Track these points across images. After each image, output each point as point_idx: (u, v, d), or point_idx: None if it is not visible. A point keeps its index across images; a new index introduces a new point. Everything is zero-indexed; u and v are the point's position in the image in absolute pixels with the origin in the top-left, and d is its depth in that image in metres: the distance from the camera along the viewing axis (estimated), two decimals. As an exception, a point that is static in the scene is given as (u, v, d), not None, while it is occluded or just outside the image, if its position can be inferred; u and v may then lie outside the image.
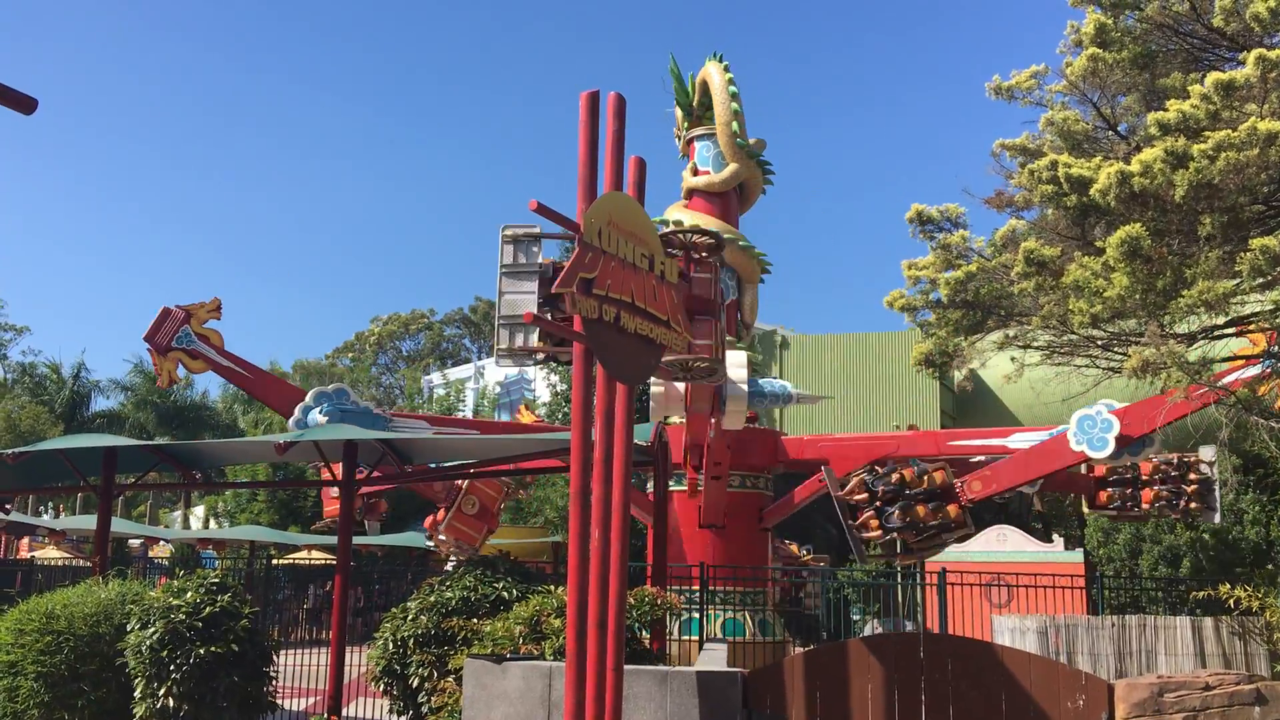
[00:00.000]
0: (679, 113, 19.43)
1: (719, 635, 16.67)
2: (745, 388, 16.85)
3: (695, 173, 19.22)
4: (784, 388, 19.33)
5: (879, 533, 15.57)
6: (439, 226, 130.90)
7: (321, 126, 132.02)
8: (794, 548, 28.64)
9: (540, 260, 9.73)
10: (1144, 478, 19.30)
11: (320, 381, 52.46)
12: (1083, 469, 19.13)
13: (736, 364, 17.52)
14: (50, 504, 41.91)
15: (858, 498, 16.15)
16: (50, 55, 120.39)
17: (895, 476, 15.90)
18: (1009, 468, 16.44)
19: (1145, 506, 19.10)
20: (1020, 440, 18.99)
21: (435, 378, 58.33)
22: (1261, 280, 9.32)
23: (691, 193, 19.31)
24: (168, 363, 17.86)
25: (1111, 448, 15.91)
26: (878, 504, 15.96)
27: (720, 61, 18.81)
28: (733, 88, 18.58)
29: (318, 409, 17.66)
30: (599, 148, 8.23)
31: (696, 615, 15.62)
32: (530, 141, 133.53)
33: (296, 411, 17.96)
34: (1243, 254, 9.12)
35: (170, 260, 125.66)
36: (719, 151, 18.78)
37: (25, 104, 4.43)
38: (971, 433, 20.48)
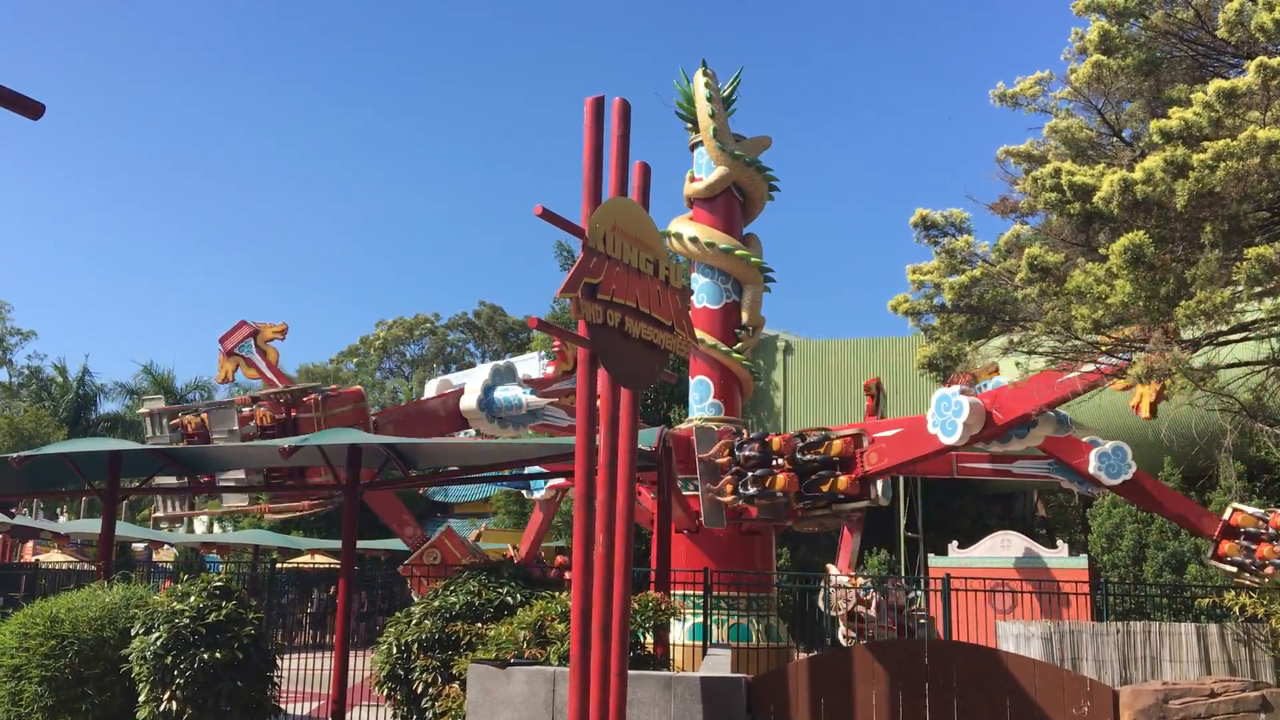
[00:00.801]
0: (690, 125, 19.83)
1: (725, 640, 16.70)
2: (1053, 415, 16.97)
3: (692, 180, 19.54)
4: (1067, 417, 19.10)
5: (732, 497, 15.77)
6: (444, 231, 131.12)
7: (326, 130, 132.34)
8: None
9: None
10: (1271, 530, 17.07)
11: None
12: (1226, 515, 17.87)
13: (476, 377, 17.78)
14: (61, 506, 41.95)
15: (720, 461, 16.34)
16: (55, 60, 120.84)
17: (758, 445, 16.14)
18: (894, 444, 16.41)
19: (1261, 561, 16.70)
20: (1024, 467, 19.49)
21: (432, 385, 58.36)
22: (1259, 289, 9.32)
23: (691, 202, 19.62)
24: (229, 363, 20.66)
25: (960, 433, 15.58)
26: (737, 469, 16.16)
27: (705, 71, 19.29)
28: (707, 91, 19.06)
29: (515, 386, 18.06)
30: (604, 153, 8.25)
31: (699, 620, 15.63)
32: (536, 146, 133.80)
33: (476, 391, 18.22)
34: (1239, 263, 9.13)
35: (175, 264, 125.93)
36: (710, 157, 19.15)
37: (32, 109, 4.46)
38: (984, 456, 20.65)
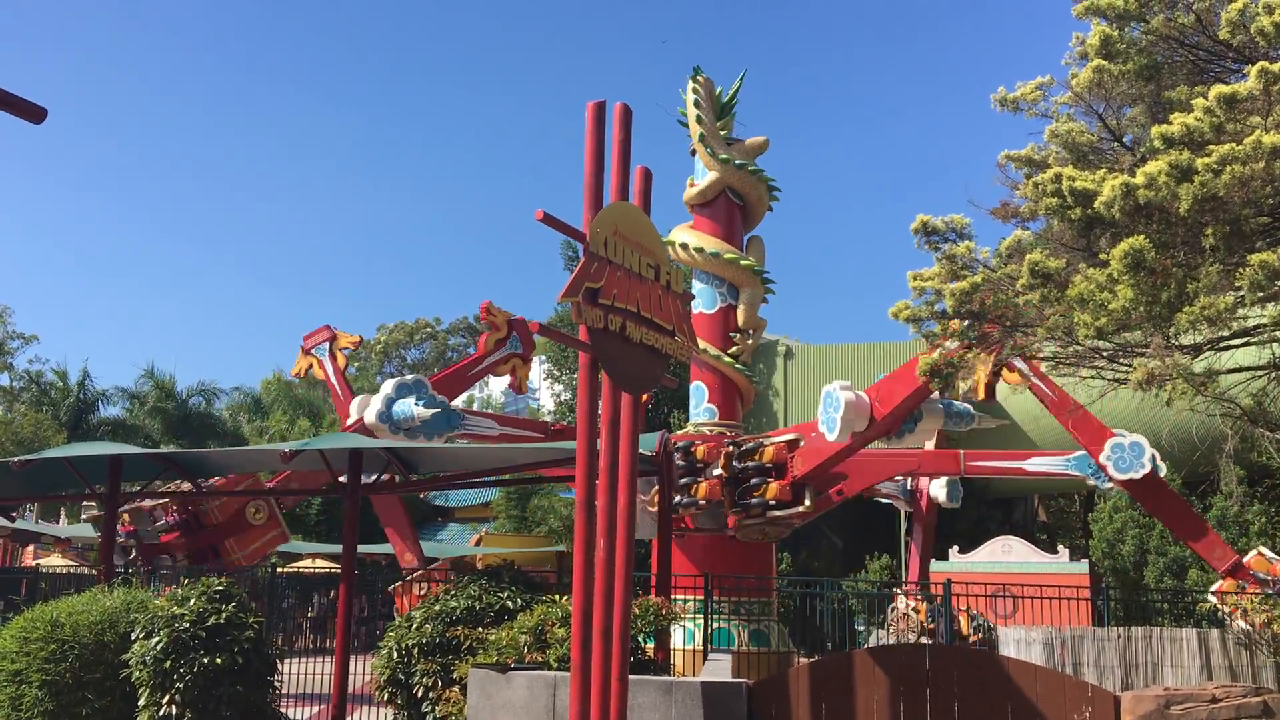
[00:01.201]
0: None
1: (745, 645, 16.72)
2: (940, 406, 17.21)
3: (691, 185, 19.72)
4: (966, 409, 19.30)
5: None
6: (445, 234, 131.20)
7: (327, 134, 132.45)
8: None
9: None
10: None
11: (325, 392, 52.54)
12: (1249, 556, 18.09)
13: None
14: (64, 510, 41.93)
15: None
16: (55, 64, 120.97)
17: (682, 454, 16.33)
18: (808, 451, 16.60)
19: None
20: (1037, 464, 19.33)
21: (355, 405, 58.31)
22: (1262, 295, 9.31)
23: (691, 209, 19.76)
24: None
25: (839, 429, 15.49)
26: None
27: (696, 77, 19.57)
28: (694, 97, 19.30)
29: (411, 399, 17.82)
30: (605, 158, 8.25)
31: (700, 624, 15.60)
32: (538, 150, 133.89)
33: (378, 404, 18.19)
34: (1241, 269, 9.13)
35: (175, 268, 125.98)
36: (703, 163, 19.38)
37: (35, 113, 4.46)
38: (993, 454, 20.69)
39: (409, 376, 18.76)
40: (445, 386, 20.32)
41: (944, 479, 24.24)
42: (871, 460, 19.43)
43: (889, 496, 26.03)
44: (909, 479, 24.39)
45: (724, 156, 19.07)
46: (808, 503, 16.26)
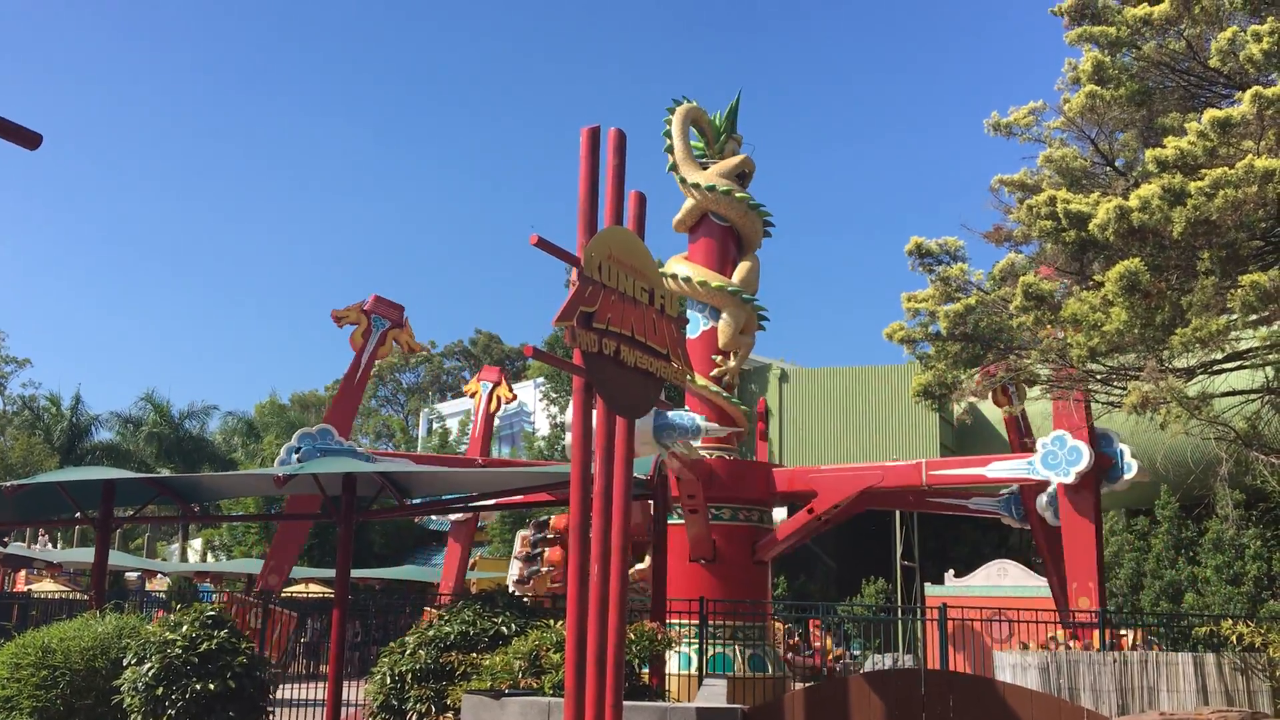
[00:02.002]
0: None
1: (743, 670, 16.63)
2: (650, 420, 17.10)
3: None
4: (692, 420, 19.11)
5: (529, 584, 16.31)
6: (440, 258, 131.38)
7: (322, 157, 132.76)
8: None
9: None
10: None
11: (318, 414, 52.46)
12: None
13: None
14: (57, 534, 41.76)
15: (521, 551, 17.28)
16: (47, 88, 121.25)
17: (534, 526, 17.17)
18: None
19: None
20: (998, 469, 18.70)
21: (429, 411, 58.37)
22: (1254, 316, 9.34)
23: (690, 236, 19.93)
24: (356, 316, 21.92)
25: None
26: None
27: (671, 108, 19.74)
28: (666, 126, 19.54)
29: (299, 450, 18.82)
30: (599, 182, 8.27)
31: (691, 650, 15.53)
32: (534, 173, 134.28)
33: (281, 452, 19.40)
34: (1234, 291, 9.16)
35: (170, 291, 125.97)
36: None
37: (30, 139, 4.46)
38: (953, 462, 20.22)
39: (316, 428, 19.87)
40: (344, 405, 21.13)
41: (1049, 490, 22.77)
42: (834, 476, 19.27)
43: (991, 513, 23.73)
44: (1013, 492, 22.61)
45: (693, 181, 19.18)
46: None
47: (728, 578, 17.77)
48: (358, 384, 21.58)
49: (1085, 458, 17.33)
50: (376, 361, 22.26)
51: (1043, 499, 20.58)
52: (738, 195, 19.20)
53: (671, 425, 18.61)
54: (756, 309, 19.45)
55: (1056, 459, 17.70)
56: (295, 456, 18.81)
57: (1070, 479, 17.48)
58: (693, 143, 19.95)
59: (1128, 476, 17.91)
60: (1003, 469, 18.61)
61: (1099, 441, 17.78)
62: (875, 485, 19.13)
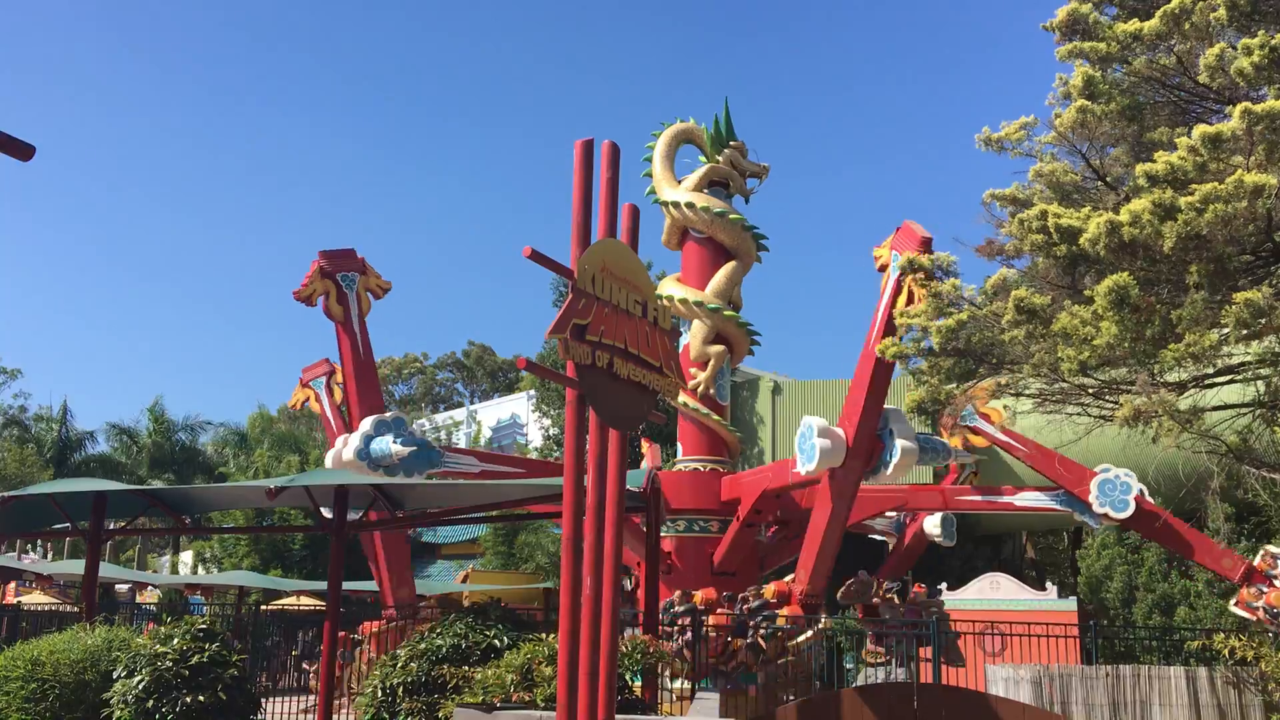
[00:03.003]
0: None
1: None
2: (915, 443, 16.44)
3: None
4: (944, 444, 18.87)
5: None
6: (433, 270, 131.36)
7: (313, 167, 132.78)
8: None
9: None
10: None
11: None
12: (1256, 558, 17.40)
13: (900, 420, 17.30)
14: (44, 545, 41.56)
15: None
16: (38, 100, 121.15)
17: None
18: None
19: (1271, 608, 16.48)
20: (1026, 499, 19.18)
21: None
22: (1246, 332, 9.37)
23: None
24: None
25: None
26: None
27: (657, 132, 20.13)
28: (648, 151, 20.00)
29: (389, 436, 17.36)
30: (593, 195, 8.28)
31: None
32: (525, 186, 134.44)
33: (355, 440, 17.51)
34: (1227, 307, 9.19)
35: (164, 302, 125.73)
36: None
37: (23, 151, 4.47)
38: (981, 489, 20.70)
39: (389, 414, 17.98)
40: (367, 389, 18.73)
41: (938, 515, 23.80)
42: (866, 496, 19.34)
43: (882, 533, 25.70)
44: (903, 515, 24.08)
45: (663, 199, 19.36)
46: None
47: (717, 590, 17.72)
48: (366, 358, 18.95)
49: (1131, 509, 17.74)
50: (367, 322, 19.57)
51: (931, 521, 21.63)
52: (700, 205, 19.13)
53: (935, 448, 18.25)
54: (729, 318, 19.24)
55: (1111, 496, 18.10)
56: (398, 447, 17.15)
57: (1124, 516, 17.97)
58: (699, 158, 20.00)
59: (892, 461, 16.74)
60: (1031, 499, 19.26)
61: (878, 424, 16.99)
62: (898, 506, 19.39)
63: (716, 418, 19.22)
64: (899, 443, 16.18)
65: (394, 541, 18.86)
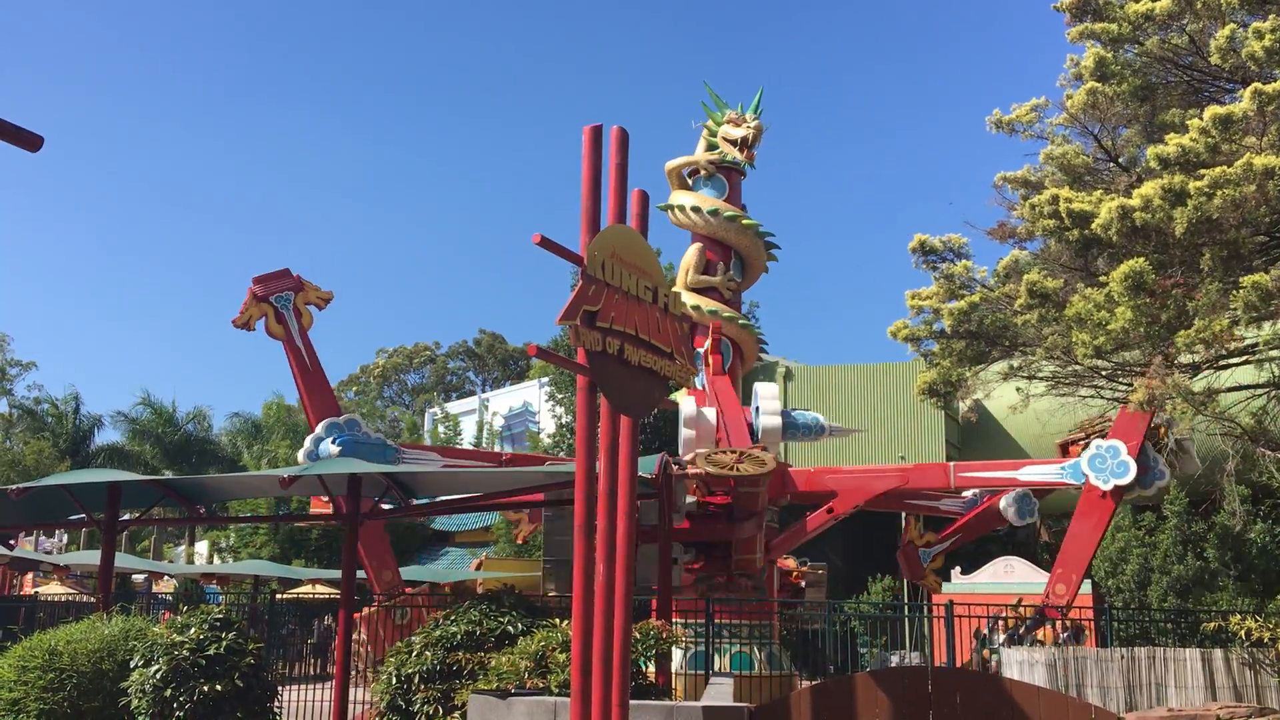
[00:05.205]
0: None
1: (728, 670, 16.56)
2: (779, 420, 17.12)
3: None
4: (816, 420, 19.25)
5: None
6: (444, 259, 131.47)
7: (324, 159, 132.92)
8: (789, 562, 27.12)
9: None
10: None
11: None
12: None
13: (768, 396, 17.86)
14: (61, 538, 41.81)
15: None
16: (50, 91, 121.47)
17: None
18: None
19: None
20: (1031, 472, 19.01)
21: (435, 410, 58.38)
22: (1256, 315, 9.32)
23: None
24: (255, 309, 19.05)
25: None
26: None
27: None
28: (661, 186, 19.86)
29: (329, 439, 18.12)
30: (602, 181, 8.26)
31: (701, 648, 15.53)
32: (535, 174, 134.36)
33: (307, 443, 18.57)
34: (1235, 291, 9.14)
35: (174, 295, 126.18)
36: None
37: (31, 142, 4.47)
38: (983, 465, 20.45)
39: (342, 417, 19.05)
40: (318, 397, 19.36)
41: (1014, 494, 22.96)
42: (856, 477, 19.33)
43: (950, 512, 24.89)
44: (978, 493, 23.44)
45: (672, 202, 19.51)
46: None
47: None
48: (314, 369, 19.49)
49: (1131, 473, 17.79)
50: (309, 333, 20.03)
51: (1006, 500, 21.57)
52: (666, 205, 19.31)
53: (797, 425, 18.85)
54: (737, 323, 19.31)
55: (1104, 465, 18.04)
56: (333, 448, 18.14)
57: (1107, 487, 17.86)
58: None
59: (1159, 483, 18.36)
60: (1035, 473, 19.10)
61: (1144, 453, 18.02)
62: (899, 487, 19.44)
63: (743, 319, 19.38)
64: (1163, 469, 17.98)
65: (371, 528, 19.32)
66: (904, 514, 25.50)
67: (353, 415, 19.20)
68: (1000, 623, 18.66)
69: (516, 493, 15.83)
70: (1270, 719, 9.58)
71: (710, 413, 17.37)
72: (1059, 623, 18.31)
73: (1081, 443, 18.82)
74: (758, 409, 18.08)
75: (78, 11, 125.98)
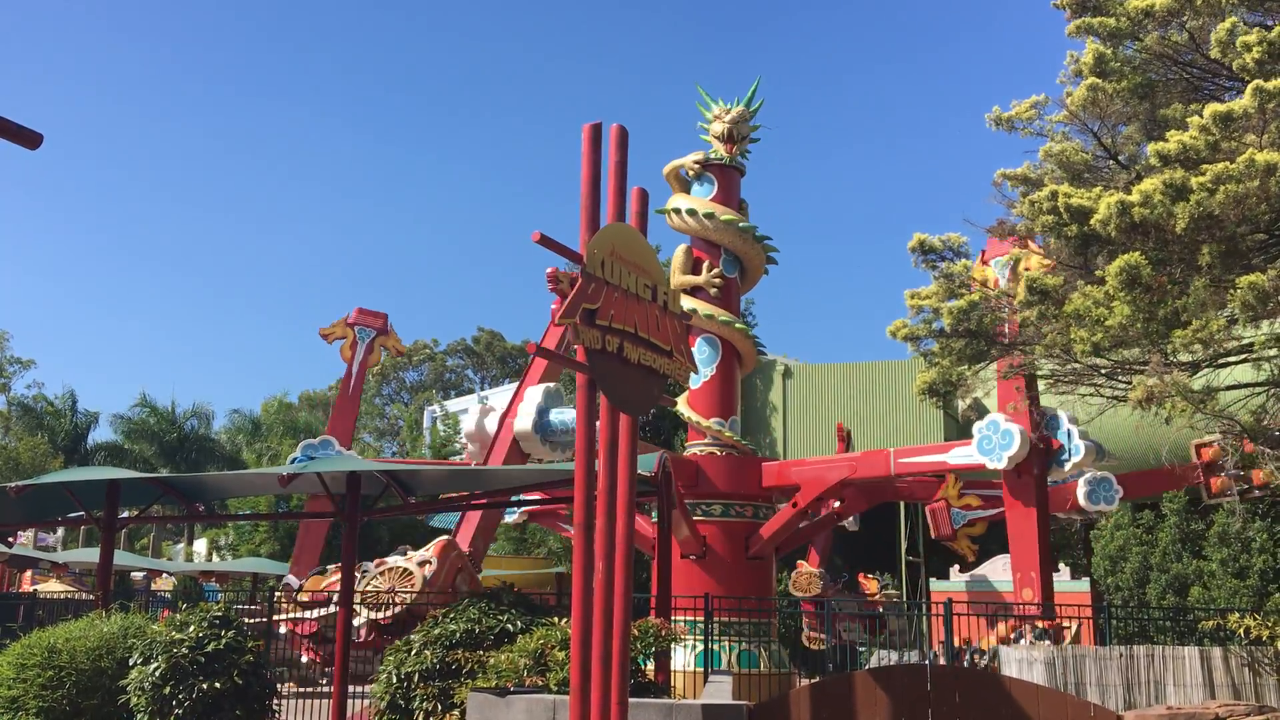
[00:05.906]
0: None
1: (735, 667, 16.58)
2: (530, 421, 17.85)
3: None
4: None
5: None
6: (443, 257, 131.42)
7: (324, 157, 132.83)
8: (872, 584, 28.02)
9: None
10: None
11: (325, 413, 52.41)
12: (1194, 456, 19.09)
13: (530, 399, 18.44)
14: (61, 532, 41.79)
15: None
16: (51, 90, 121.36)
17: None
18: None
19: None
20: (958, 455, 18.26)
21: (435, 409, 58.32)
22: (1253, 314, 9.32)
23: None
24: (341, 330, 23.87)
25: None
26: None
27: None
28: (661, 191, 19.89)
29: (305, 461, 19.83)
30: (602, 179, 8.25)
31: (701, 646, 15.53)
32: (534, 172, 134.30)
33: (534, 414, 19.44)
34: (1232, 291, 9.13)
35: (174, 293, 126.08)
36: None
37: (30, 139, 4.46)
38: (918, 449, 19.96)
39: (318, 438, 22.25)
40: (342, 415, 22.95)
41: (1088, 476, 21.37)
42: (811, 469, 19.25)
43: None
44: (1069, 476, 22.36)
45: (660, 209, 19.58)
46: None
47: (722, 574, 17.76)
48: (353, 394, 23.12)
49: (1016, 442, 16.74)
50: (369, 370, 24.30)
51: (1082, 481, 20.94)
52: (703, 212, 19.25)
53: (551, 427, 19.28)
54: (738, 330, 19.30)
55: (990, 444, 17.17)
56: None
57: (1004, 464, 16.97)
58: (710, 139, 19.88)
59: (1075, 460, 17.13)
60: (962, 455, 18.09)
61: (1045, 424, 17.10)
62: (848, 476, 18.92)
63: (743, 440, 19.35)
64: (1078, 443, 17.17)
65: (313, 525, 22.09)
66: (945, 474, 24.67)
67: (327, 437, 21.53)
68: (1028, 625, 17.75)
69: (515, 491, 15.84)
70: (1269, 717, 9.57)
71: (492, 422, 18.31)
72: (1038, 624, 17.37)
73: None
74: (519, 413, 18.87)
75: (78, 9, 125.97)
